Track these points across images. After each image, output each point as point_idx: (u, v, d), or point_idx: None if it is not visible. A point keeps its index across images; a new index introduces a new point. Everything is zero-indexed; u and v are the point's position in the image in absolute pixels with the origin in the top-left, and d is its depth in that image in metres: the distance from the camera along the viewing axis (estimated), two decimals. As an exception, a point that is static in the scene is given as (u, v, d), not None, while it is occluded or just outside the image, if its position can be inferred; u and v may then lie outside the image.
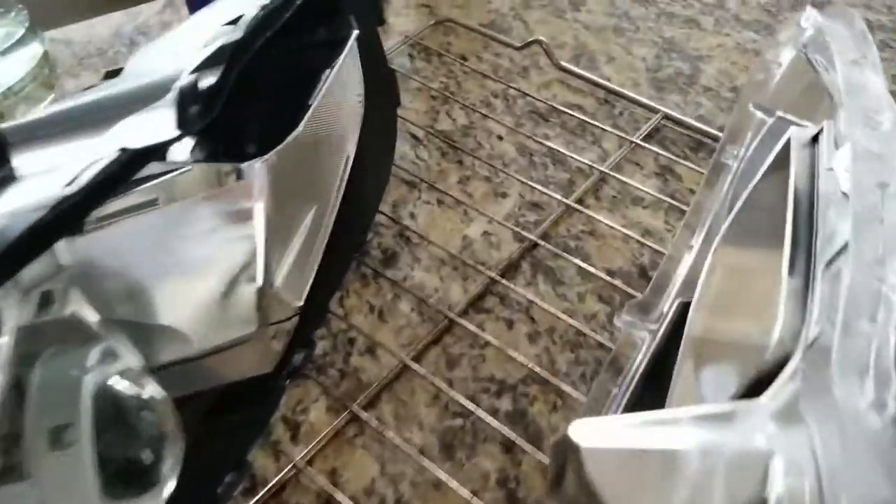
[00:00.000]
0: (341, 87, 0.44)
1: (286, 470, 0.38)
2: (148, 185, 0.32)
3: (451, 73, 0.60)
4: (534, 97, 0.57)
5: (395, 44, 0.62)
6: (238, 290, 0.35)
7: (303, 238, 0.43)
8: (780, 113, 0.39)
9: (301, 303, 0.41)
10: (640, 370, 0.36)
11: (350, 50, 0.44)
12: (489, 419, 0.39)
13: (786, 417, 0.22)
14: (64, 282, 0.31)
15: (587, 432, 0.24)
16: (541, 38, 0.60)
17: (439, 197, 0.51)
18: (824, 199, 0.27)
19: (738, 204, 0.33)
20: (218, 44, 0.30)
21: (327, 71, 0.41)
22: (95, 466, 0.26)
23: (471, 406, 0.39)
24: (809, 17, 0.34)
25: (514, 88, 0.58)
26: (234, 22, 0.32)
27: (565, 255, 0.47)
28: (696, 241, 0.40)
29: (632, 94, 0.57)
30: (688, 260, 0.40)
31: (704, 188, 0.41)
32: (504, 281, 0.45)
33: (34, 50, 0.54)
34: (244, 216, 0.34)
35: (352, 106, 0.45)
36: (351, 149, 0.45)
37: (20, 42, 0.53)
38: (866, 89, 0.31)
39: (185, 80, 0.29)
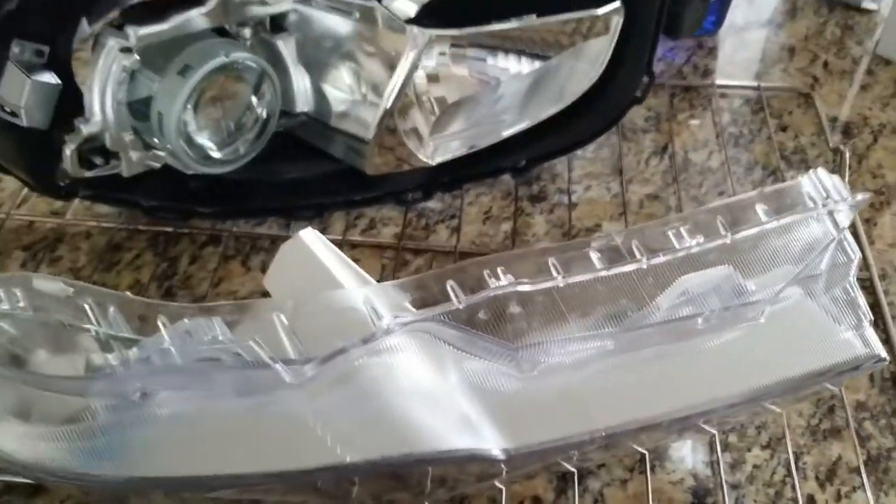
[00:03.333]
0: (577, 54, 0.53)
1: (334, 237, 0.53)
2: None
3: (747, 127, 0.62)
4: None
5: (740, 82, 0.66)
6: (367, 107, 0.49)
7: (480, 130, 0.55)
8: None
9: (431, 163, 0.53)
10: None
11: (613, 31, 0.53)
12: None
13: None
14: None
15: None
16: (846, 151, 0.58)
17: (619, 192, 0.57)
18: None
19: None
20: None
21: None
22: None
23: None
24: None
25: (784, 175, 0.59)
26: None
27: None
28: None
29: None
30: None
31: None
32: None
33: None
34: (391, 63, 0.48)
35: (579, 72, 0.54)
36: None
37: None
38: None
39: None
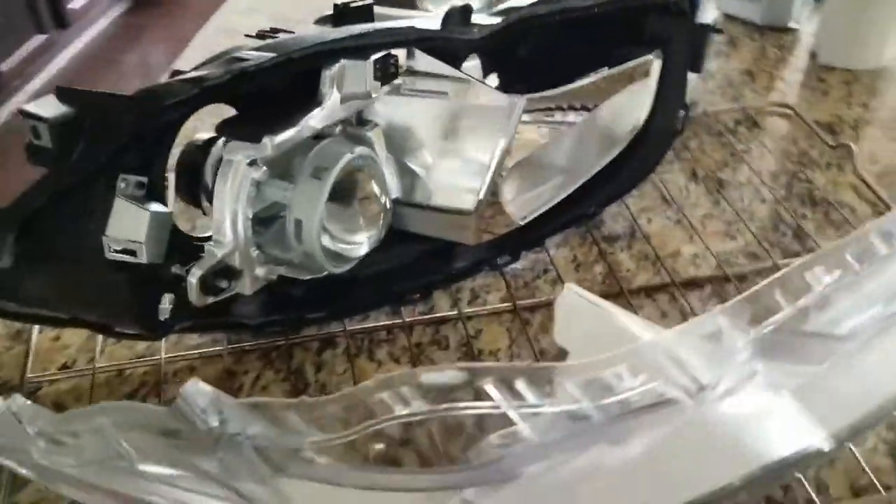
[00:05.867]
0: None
1: (448, 314, 0.53)
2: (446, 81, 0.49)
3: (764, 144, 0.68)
4: (812, 185, 0.64)
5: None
6: (469, 178, 0.50)
7: (552, 184, 0.57)
8: None
9: (521, 223, 0.55)
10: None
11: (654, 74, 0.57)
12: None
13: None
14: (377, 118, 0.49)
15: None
16: (851, 144, 0.65)
17: (679, 218, 0.61)
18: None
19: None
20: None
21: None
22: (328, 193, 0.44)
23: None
24: None
25: (804, 175, 0.65)
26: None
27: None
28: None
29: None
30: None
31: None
32: (678, 290, 0.54)
33: None
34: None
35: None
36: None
37: None
38: None
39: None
